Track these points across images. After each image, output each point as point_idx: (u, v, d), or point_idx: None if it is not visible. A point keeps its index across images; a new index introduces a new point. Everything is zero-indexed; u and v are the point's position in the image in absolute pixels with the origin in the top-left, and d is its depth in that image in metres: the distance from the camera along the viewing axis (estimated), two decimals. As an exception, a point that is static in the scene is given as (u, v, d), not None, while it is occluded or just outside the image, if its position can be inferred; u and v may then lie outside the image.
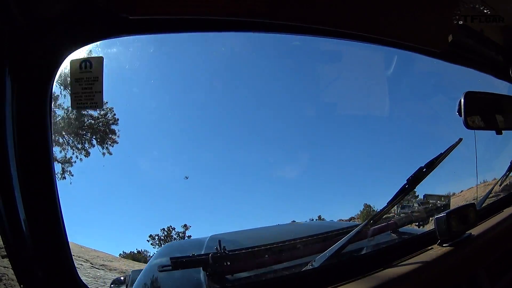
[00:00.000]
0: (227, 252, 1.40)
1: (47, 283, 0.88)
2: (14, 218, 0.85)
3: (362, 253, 1.47)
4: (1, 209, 0.84)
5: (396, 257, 1.37)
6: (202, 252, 1.48)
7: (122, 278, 2.57)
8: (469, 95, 1.60)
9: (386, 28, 1.37)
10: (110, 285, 2.66)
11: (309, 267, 1.29)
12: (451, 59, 1.73)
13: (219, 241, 1.40)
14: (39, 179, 0.89)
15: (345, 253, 1.36)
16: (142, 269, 2.07)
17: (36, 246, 0.87)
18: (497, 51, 1.92)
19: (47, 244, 0.89)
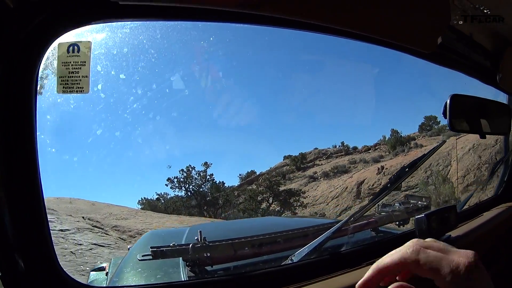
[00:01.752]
0: (207, 243, 1.40)
1: (27, 271, 0.88)
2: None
3: (342, 250, 1.48)
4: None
5: (375, 255, 1.37)
6: (183, 242, 1.48)
7: (103, 265, 2.56)
8: (455, 98, 1.61)
9: (375, 26, 1.37)
10: (90, 271, 2.65)
11: (288, 261, 1.30)
12: (439, 61, 1.74)
13: (200, 232, 1.40)
14: (22, 165, 0.88)
15: (325, 249, 1.37)
16: (122, 257, 2.07)
17: (16, 235, 0.86)
18: (486, 56, 1.94)
19: (27, 233, 0.88)
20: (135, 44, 1.41)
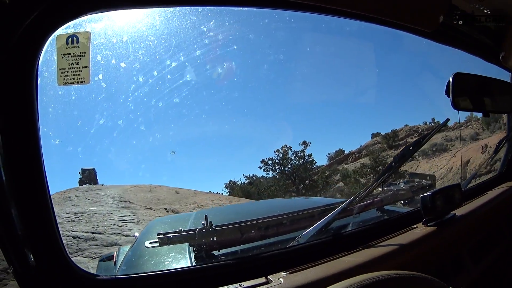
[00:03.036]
0: (213, 227, 1.40)
1: (38, 264, 0.89)
2: (2, 202, 0.84)
3: (348, 230, 1.48)
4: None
5: (381, 235, 1.38)
6: (189, 228, 1.48)
7: (111, 254, 2.57)
8: (457, 76, 1.61)
9: (377, 6, 1.36)
10: (99, 261, 2.66)
11: (295, 243, 1.31)
12: (441, 40, 1.73)
13: (206, 217, 1.40)
14: (26, 161, 0.88)
15: (331, 230, 1.37)
16: (130, 246, 2.07)
17: (25, 228, 0.87)
18: (488, 34, 1.92)
19: (35, 227, 0.89)
20: (134, 32, 1.41)
